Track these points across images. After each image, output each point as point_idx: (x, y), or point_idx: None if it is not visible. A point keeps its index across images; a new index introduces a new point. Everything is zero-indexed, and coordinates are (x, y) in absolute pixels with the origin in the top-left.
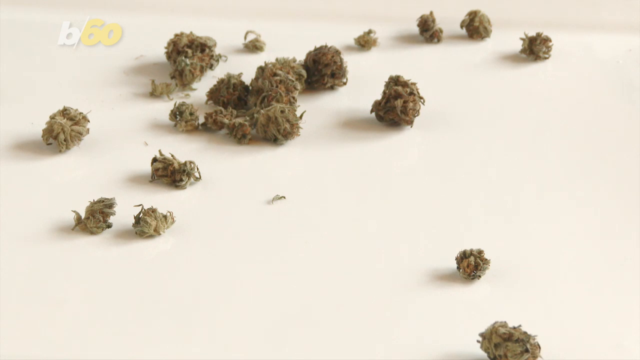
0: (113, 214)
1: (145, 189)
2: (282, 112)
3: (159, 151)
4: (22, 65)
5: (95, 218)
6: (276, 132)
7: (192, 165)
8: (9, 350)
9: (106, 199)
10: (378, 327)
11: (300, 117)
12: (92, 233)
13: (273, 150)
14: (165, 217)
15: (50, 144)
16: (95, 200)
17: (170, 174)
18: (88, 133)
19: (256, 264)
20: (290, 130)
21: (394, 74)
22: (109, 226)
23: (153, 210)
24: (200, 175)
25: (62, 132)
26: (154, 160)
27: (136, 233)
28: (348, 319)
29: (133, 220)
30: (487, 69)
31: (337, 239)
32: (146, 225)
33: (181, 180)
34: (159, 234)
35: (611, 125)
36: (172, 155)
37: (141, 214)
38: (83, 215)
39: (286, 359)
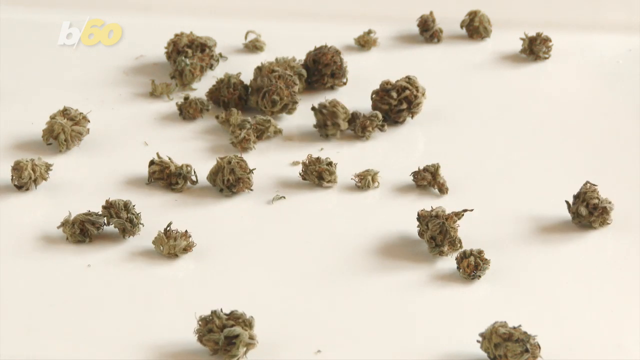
0: (94, 231)
1: (142, 191)
2: (229, 162)
3: (157, 154)
4: (22, 65)
5: (73, 227)
6: (220, 183)
7: (189, 168)
8: (9, 350)
9: (97, 215)
10: (378, 327)
11: (250, 171)
12: (66, 239)
13: (272, 150)
14: (184, 248)
15: (50, 144)
16: (88, 211)
17: (166, 177)
18: (88, 133)
19: (256, 263)
20: (234, 182)
21: (393, 74)
22: (83, 240)
23: (174, 238)
24: (197, 179)
25: (63, 132)
26: (151, 162)
27: (154, 249)
28: (348, 319)
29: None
30: (487, 69)
31: (337, 238)
32: (158, 248)
33: (177, 183)
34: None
35: (611, 125)
36: (170, 159)
37: (163, 233)
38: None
39: (285, 358)
